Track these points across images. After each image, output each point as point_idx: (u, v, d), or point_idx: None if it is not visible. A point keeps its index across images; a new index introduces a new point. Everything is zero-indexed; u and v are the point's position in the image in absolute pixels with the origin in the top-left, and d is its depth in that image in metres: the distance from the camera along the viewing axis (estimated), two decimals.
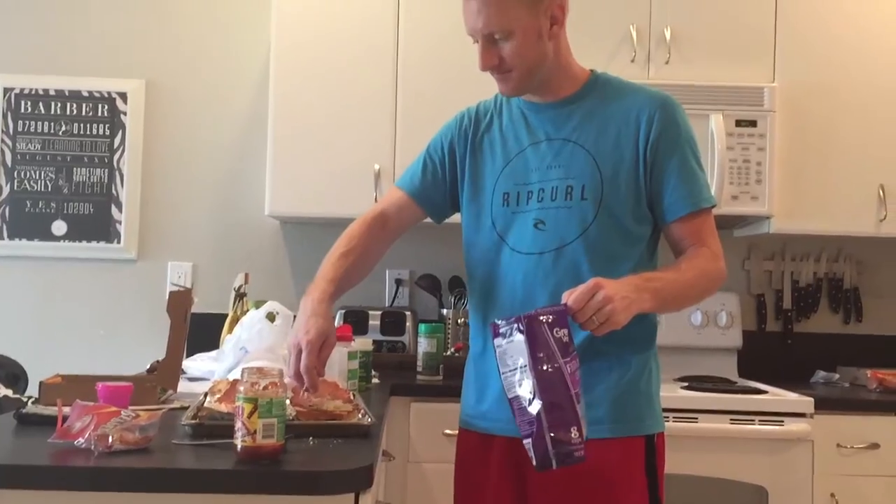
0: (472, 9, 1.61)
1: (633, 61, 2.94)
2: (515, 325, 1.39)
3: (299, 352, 1.56)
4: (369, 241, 1.79)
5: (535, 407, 1.37)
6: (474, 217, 1.76)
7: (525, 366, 1.38)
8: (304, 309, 1.64)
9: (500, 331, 1.42)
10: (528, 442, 1.39)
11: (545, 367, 1.37)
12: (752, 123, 2.91)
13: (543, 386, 1.37)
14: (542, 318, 1.40)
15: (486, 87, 1.78)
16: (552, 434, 1.36)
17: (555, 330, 1.39)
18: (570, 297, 1.43)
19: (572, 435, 1.37)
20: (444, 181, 1.81)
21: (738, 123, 2.90)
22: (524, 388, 1.38)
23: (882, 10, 2.99)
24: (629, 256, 1.65)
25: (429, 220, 1.87)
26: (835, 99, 2.96)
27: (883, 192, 2.94)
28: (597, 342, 1.57)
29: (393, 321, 3.07)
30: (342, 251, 1.76)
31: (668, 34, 2.94)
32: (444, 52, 2.91)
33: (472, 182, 1.77)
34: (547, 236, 1.65)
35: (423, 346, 2.78)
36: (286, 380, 1.55)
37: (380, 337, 3.02)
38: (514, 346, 1.40)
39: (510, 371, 1.40)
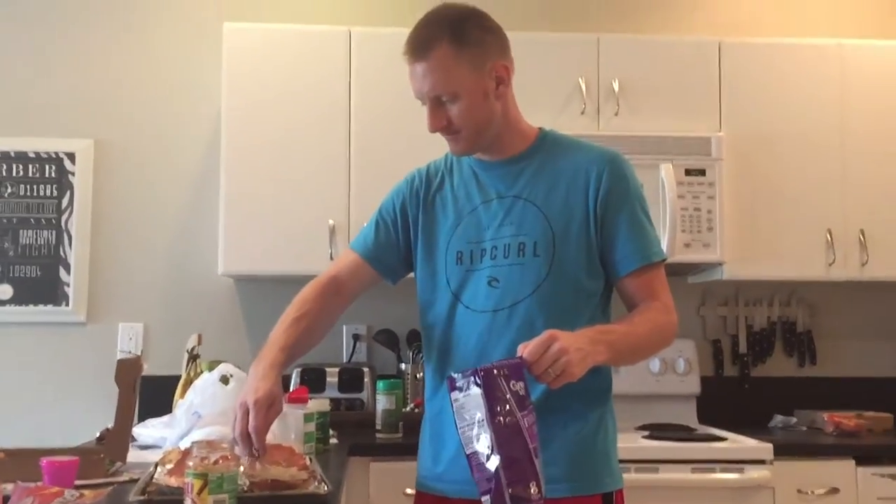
0: (418, 72, 1.63)
1: (583, 113, 2.99)
2: (472, 378, 1.37)
3: (246, 412, 1.55)
4: (322, 306, 1.77)
5: (493, 462, 1.35)
6: (429, 277, 1.76)
7: (483, 420, 1.36)
8: (253, 374, 1.63)
9: (457, 384, 1.40)
10: (486, 499, 1.36)
11: (503, 421, 1.35)
12: (702, 172, 2.96)
13: (501, 440, 1.35)
14: (498, 370, 1.38)
15: (440, 143, 1.78)
16: (510, 490, 1.34)
17: (511, 383, 1.38)
18: (525, 350, 1.42)
19: (531, 491, 1.34)
20: (397, 242, 1.81)
21: (688, 172, 2.95)
22: (482, 442, 1.36)
23: (821, 63, 3.08)
24: (583, 311, 1.65)
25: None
26: (779, 147, 3.03)
27: (830, 236, 3.00)
28: (552, 398, 1.57)
29: (351, 378, 3.03)
30: (294, 316, 1.74)
31: (616, 86, 3.00)
32: (398, 107, 2.92)
33: (425, 242, 1.77)
34: (501, 293, 1.66)
35: (382, 403, 2.74)
36: (236, 449, 1.52)
37: (338, 394, 2.97)
38: (470, 400, 1.38)
39: (467, 425, 1.38)
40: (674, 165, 2.92)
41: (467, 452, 1.38)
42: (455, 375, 1.41)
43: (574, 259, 1.65)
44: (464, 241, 1.71)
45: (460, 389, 1.39)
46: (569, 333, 1.46)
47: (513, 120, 1.72)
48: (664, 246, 2.84)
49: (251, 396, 1.56)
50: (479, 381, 1.37)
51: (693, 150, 2.96)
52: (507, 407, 1.36)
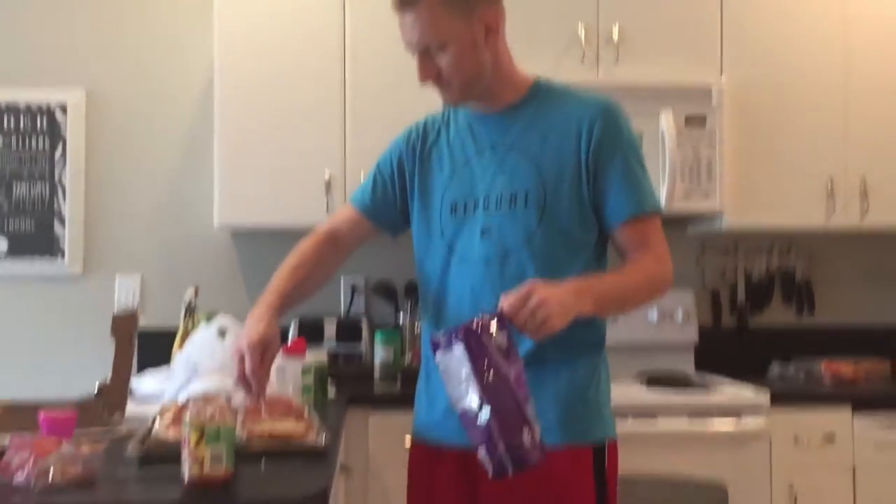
0: (407, 22, 1.62)
1: (582, 61, 2.94)
2: (454, 337, 1.39)
3: (241, 357, 1.59)
4: (321, 256, 1.80)
5: (483, 416, 1.36)
6: (424, 229, 1.76)
7: (469, 375, 1.37)
8: (249, 318, 1.67)
9: (440, 345, 1.42)
10: (481, 451, 1.37)
11: (488, 376, 1.37)
12: (702, 121, 2.92)
13: (489, 394, 1.36)
14: (479, 326, 1.40)
15: (433, 93, 1.76)
16: (504, 440, 1.35)
17: (493, 337, 1.39)
18: (505, 302, 1.43)
19: (524, 438, 1.36)
20: (394, 196, 1.81)
21: (688, 121, 2.91)
22: (470, 399, 1.38)
23: (824, 9, 3.02)
24: (575, 262, 1.65)
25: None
26: (781, 95, 2.99)
27: (831, 185, 2.98)
28: (543, 349, 1.58)
29: (349, 329, 3.03)
30: (293, 265, 1.78)
31: (615, 34, 2.94)
32: (393, 57, 2.84)
33: (421, 195, 1.78)
34: (492, 244, 1.66)
35: (380, 355, 2.74)
36: (234, 399, 1.53)
37: (336, 345, 2.97)
38: (455, 359, 1.39)
39: (455, 384, 1.40)
40: (674, 114, 2.88)
41: (458, 411, 1.40)
42: (437, 337, 1.42)
43: (566, 210, 1.64)
44: (458, 193, 1.71)
45: (444, 350, 1.41)
46: (550, 285, 1.47)
47: (505, 70, 1.70)
48: (663, 196, 2.83)
49: (245, 340, 1.60)
50: (460, 338, 1.38)
51: (693, 98, 2.91)
52: (492, 361, 1.38)
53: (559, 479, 1.58)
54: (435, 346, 1.42)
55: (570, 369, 1.64)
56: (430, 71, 1.64)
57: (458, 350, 1.38)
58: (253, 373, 1.58)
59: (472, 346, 1.38)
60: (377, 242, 1.95)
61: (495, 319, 1.41)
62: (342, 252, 1.85)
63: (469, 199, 1.69)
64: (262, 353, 1.60)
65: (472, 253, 1.67)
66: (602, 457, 1.64)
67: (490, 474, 1.38)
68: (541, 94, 1.72)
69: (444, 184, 1.73)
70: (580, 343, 1.65)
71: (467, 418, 1.38)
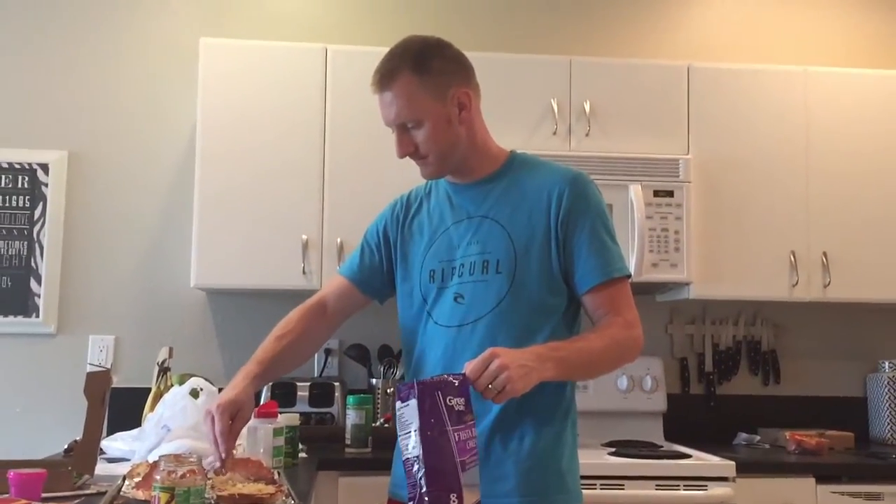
0: (385, 101, 1.72)
1: (555, 133, 3.04)
2: (412, 390, 1.44)
3: (212, 418, 1.65)
4: (306, 326, 1.86)
5: (419, 471, 1.41)
6: (407, 295, 1.83)
7: (416, 430, 1.42)
8: (228, 385, 1.73)
9: (400, 395, 1.46)
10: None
11: (431, 433, 1.41)
12: (670, 193, 3.02)
13: (427, 450, 1.40)
14: (437, 385, 1.45)
15: (411, 162, 1.83)
16: (429, 497, 1.39)
17: (448, 398, 1.44)
18: (467, 367, 1.48)
19: (451, 500, 1.40)
20: (380, 264, 1.89)
21: (657, 193, 3.01)
22: (413, 450, 1.42)
23: (785, 90, 3.16)
24: (543, 328, 1.69)
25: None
26: (745, 170, 3.10)
27: (794, 258, 3.07)
28: (509, 415, 1.64)
29: (322, 392, 3.04)
30: (277, 335, 1.84)
31: (587, 107, 3.05)
32: (373, 125, 2.89)
33: (402, 262, 1.85)
34: (465, 310, 1.72)
35: (352, 418, 2.76)
36: (205, 461, 1.55)
37: (308, 408, 2.98)
38: (409, 410, 1.44)
39: (405, 434, 1.44)
40: (642, 186, 2.98)
41: (402, 458, 1.45)
42: (400, 387, 1.47)
43: (535, 276, 1.69)
44: (436, 260, 1.78)
45: (402, 400, 1.45)
46: (512, 350, 1.52)
47: (480, 143, 1.78)
48: (632, 266, 2.90)
49: (214, 403, 1.66)
50: (415, 392, 1.43)
51: (661, 172, 3.02)
52: (439, 419, 1.42)
53: None
54: (397, 395, 1.47)
55: (535, 436, 1.67)
56: (407, 146, 1.73)
57: (412, 402, 1.43)
58: (221, 434, 1.63)
59: (425, 400, 1.42)
60: None
61: (456, 382, 1.46)
62: (332, 322, 1.91)
63: (446, 266, 1.76)
64: (232, 416, 1.65)
65: (445, 317, 1.73)
66: None
67: None
68: (515, 165, 1.80)
69: (424, 251, 1.80)
70: (546, 409, 1.68)
71: (408, 468, 1.43)
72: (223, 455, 1.64)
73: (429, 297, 1.77)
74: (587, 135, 3.05)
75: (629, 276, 1.75)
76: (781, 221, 3.09)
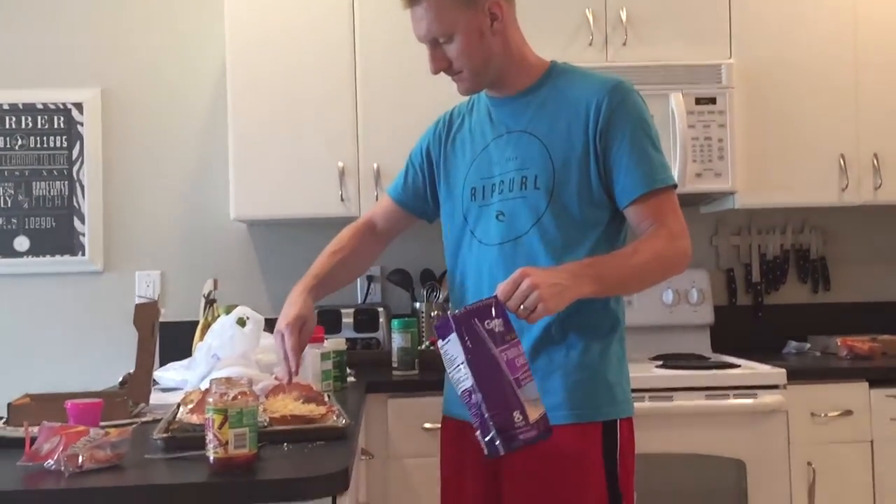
0: (416, 16, 1.68)
1: (590, 45, 2.95)
2: (448, 325, 1.45)
3: (281, 337, 1.74)
4: (358, 243, 1.92)
5: (476, 398, 1.42)
6: (449, 214, 1.83)
7: (463, 361, 1.44)
8: (286, 302, 1.81)
9: (439, 333, 1.47)
10: (477, 432, 1.44)
11: (479, 360, 1.43)
12: (712, 101, 2.92)
13: (480, 377, 1.42)
14: (471, 313, 1.46)
15: (444, 82, 1.79)
16: (495, 422, 1.41)
17: (486, 322, 1.45)
18: (498, 289, 1.49)
19: (515, 419, 1.41)
20: (424, 184, 1.90)
21: (698, 101, 2.92)
22: (467, 382, 1.44)
23: None
24: (583, 243, 1.66)
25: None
26: (791, 72, 2.99)
27: (843, 161, 2.97)
28: (554, 331, 1.64)
29: (366, 318, 3.06)
30: (331, 251, 1.91)
31: (623, 16, 2.95)
32: (403, 46, 2.86)
33: (446, 181, 1.85)
34: (506, 227, 1.70)
35: (398, 341, 2.77)
36: (276, 371, 1.74)
37: (354, 335, 3.01)
38: (452, 345, 1.45)
39: (454, 369, 1.46)
40: (684, 94, 2.89)
41: (459, 393, 1.46)
42: (437, 325, 1.48)
43: (574, 191, 1.66)
44: (477, 177, 1.76)
45: (443, 337, 1.47)
46: (544, 270, 1.52)
47: (516, 55, 1.73)
48: (674, 176, 2.83)
49: (282, 322, 1.75)
50: (452, 325, 1.45)
51: (703, 79, 2.92)
52: (484, 345, 1.44)
53: (567, 455, 1.62)
54: (437, 334, 1.48)
55: (581, 350, 1.66)
56: (440, 62, 1.69)
57: (452, 337, 1.44)
58: (292, 349, 1.72)
59: (464, 331, 1.44)
60: None
61: (490, 305, 1.46)
62: (380, 240, 1.97)
63: (487, 184, 1.74)
64: (300, 329, 1.75)
65: (489, 236, 1.72)
66: (613, 435, 1.66)
67: (485, 453, 1.43)
68: (554, 76, 1.74)
69: (466, 169, 1.79)
70: (591, 326, 1.67)
71: (466, 400, 1.44)
72: (293, 369, 1.73)
73: (470, 216, 1.76)
74: (624, 44, 2.95)
75: (674, 185, 1.69)
76: (829, 124, 2.99)
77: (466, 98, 1.86)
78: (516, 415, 1.41)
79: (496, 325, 1.45)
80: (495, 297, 1.48)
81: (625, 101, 1.67)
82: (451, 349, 1.45)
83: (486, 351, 1.43)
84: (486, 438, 1.42)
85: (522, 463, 1.62)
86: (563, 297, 1.49)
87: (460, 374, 1.44)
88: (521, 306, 1.46)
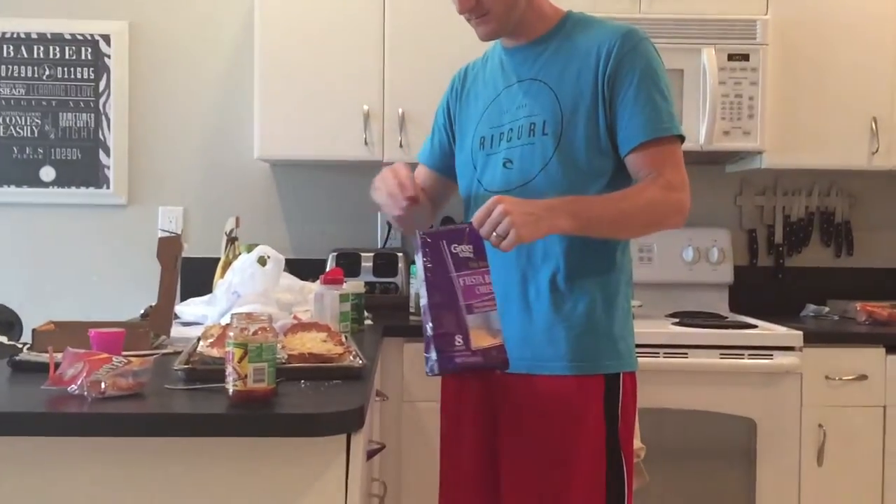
0: None
1: None
2: (420, 241, 1.50)
3: (393, 171, 1.67)
4: (430, 198, 1.84)
5: (427, 316, 1.48)
6: (462, 164, 1.83)
7: (423, 279, 1.49)
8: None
9: (417, 248, 1.52)
10: (425, 348, 1.49)
11: (437, 279, 1.48)
12: (745, 57, 2.87)
13: (433, 296, 1.48)
14: (441, 234, 1.50)
15: (472, 27, 1.77)
16: (435, 340, 1.46)
17: (453, 245, 1.49)
18: (475, 215, 1.51)
19: (455, 342, 1.45)
20: (450, 142, 1.89)
21: (731, 57, 2.87)
22: (423, 299, 1.49)
23: None
24: (589, 191, 1.64)
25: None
26: (827, 31, 2.92)
27: (875, 124, 2.92)
28: (559, 283, 1.64)
29: (385, 263, 3.08)
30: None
31: None
32: None
33: (460, 133, 1.84)
34: (513, 174, 1.69)
35: (415, 287, 2.79)
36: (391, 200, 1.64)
37: (372, 279, 3.03)
38: (419, 262, 1.51)
39: (420, 284, 1.52)
40: (716, 50, 2.83)
41: (421, 305, 1.51)
42: (413, 241, 1.53)
43: (582, 138, 1.64)
44: (487, 127, 1.76)
45: (417, 253, 1.52)
46: (521, 200, 1.53)
47: (537, 2, 1.72)
48: (702, 134, 2.81)
49: (388, 168, 1.69)
50: (420, 245, 1.50)
51: (737, 34, 2.86)
52: (443, 266, 1.48)
53: (568, 407, 1.62)
54: (416, 249, 1.52)
55: (587, 302, 1.65)
56: (468, 2, 1.66)
57: (419, 254, 1.50)
58: (406, 177, 1.64)
59: (428, 251, 1.49)
60: None
61: (463, 230, 1.50)
62: (428, 206, 1.82)
63: (496, 132, 1.74)
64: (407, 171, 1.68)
65: (494, 183, 1.71)
66: (615, 388, 1.65)
67: (425, 369, 1.49)
68: (568, 25, 1.73)
69: (477, 119, 1.78)
70: (597, 276, 1.65)
71: (423, 314, 1.50)
72: (409, 195, 1.63)
73: (478, 164, 1.76)
74: None
75: (680, 136, 1.65)
76: (864, 85, 2.93)
77: (488, 45, 1.83)
78: (458, 338, 1.45)
79: (463, 249, 1.49)
80: (470, 223, 1.52)
81: (636, 49, 1.63)
82: (419, 265, 1.51)
83: (445, 273, 1.48)
84: (426, 355, 1.47)
85: (520, 415, 1.64)
86: (538, 227, 1.50)
87: (422, 291, 1.50)
88: (494, 233, 1.48)
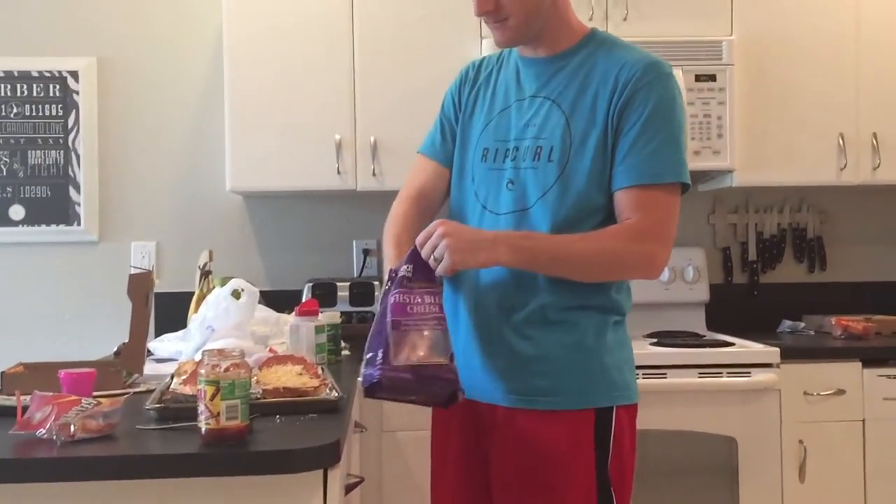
0: None
1: (590, 19, 2.91)
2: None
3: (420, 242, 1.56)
4: (422, 221, 1.72)
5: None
6: (458, 170, 1.74)
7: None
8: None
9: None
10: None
11: (383, 300, 1.52)
12: (712, 77, 2.91)
13: (378, 316, 1.52)
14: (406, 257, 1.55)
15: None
16: (365, 356, 1.49)
17: (402, 267, 1.53)
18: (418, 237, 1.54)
19: (377, 358, 1.46)
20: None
21: (698, 78, 2.90)
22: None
23: None
24: (586, 225, 1.58)
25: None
26: (792, 50, 2.97)
27: (842, 140, 2.96)
28: (548, 313, 1.58)
29: (361, 292, 3.06)
30: (395, 233, 1.72)
31: None
32: (403, 18, 2.86)
33: (462, 134, 1.75)
34: (513, 197, 1.63)
35: None
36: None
37: (349, 308, 3.01)
38: None
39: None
40: (683, 71, 2.87)
41: None
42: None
43: (586, 169, 1.57)
44: (491, 139, 1.68)
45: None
46: (466, 227, 1.55)
47: (562, 12, 1.64)
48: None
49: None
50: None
51: (703, 55, 2.90)
52: (389, 288, 1.53)
53: (556, 442, 1.56)
54: None
55: (576, 334, 1.59)
56: (488, 4, 1.58)
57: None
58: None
59: (388, 276, 1.55)
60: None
61: (410, 252, 1.54)
62: (435, 206, 1.79)
63: (501, 147, 1.66)
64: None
65: (495, 203, 1.64)
66: (607, 422, 1.58)
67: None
68: (592, 44, 1.64)
69: (482, 127, 1.70)
70: (588, 309, 1.59)
71: None
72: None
73: (478, 177, 1.68)
74: (625, 19, 2.93)
75: (682, 184, 1.57)
76: (829, 102, 2.97)
77: (455, 77, 1.79)
78: (379, 353, 1.46)
79: (404, 269, 1.52)
80: (415, 244, 1.54)
81: (653, 83, 1.54)
82: None
83: (386, 293, 1.52)
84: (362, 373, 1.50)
85: (508, 450, 1.60)
86: (475, 255, 1.50)
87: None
88: (432, 257, 1.49)
